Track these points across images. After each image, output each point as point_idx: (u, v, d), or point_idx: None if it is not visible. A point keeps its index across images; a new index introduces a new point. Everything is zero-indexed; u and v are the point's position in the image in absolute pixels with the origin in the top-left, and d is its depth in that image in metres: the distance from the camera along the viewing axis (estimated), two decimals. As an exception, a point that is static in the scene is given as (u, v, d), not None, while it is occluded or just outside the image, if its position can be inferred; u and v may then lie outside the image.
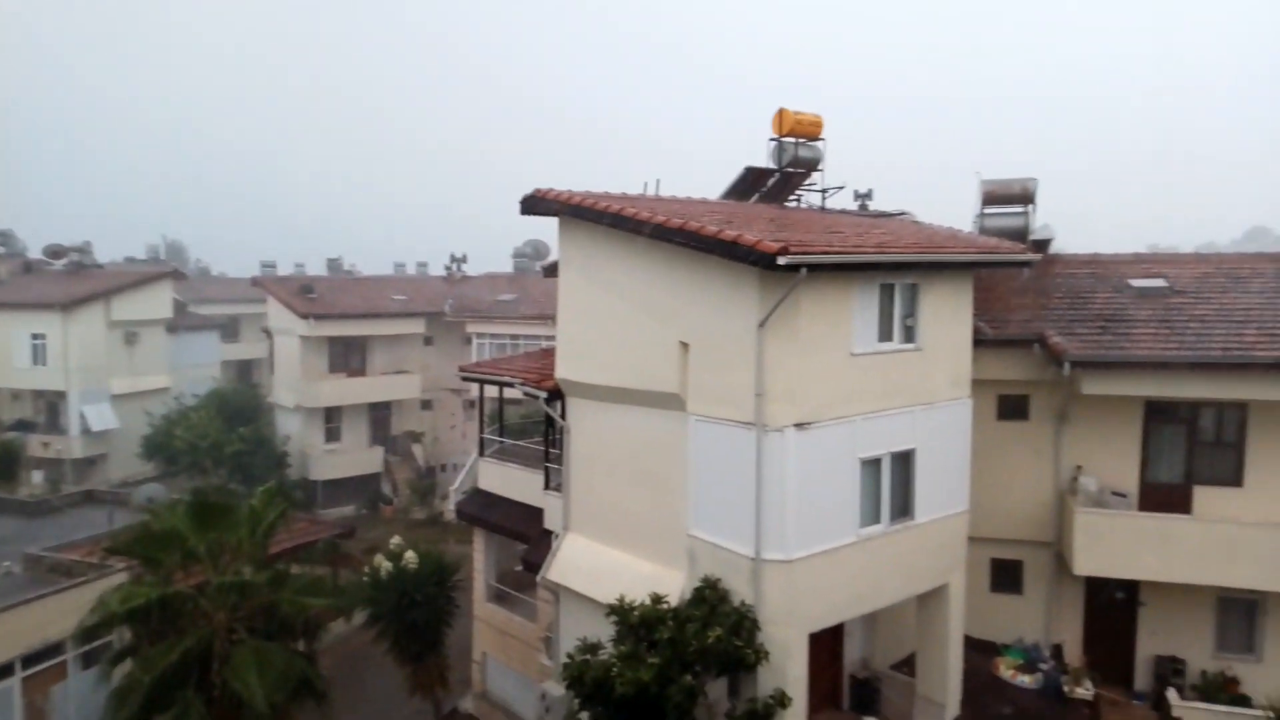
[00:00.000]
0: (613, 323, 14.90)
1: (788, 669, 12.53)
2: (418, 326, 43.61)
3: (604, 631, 12.83)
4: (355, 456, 42.27)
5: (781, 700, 12.15)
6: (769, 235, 12.04)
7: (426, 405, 44.79)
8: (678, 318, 13.64)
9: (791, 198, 20.45)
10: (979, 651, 16.95)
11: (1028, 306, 17.77)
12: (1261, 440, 16.31)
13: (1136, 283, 18.06)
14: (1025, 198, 19.90)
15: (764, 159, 19.90)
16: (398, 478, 42.53)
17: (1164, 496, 16.83)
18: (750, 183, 20.05)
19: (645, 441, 14.50)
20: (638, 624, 12.39)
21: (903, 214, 20.68)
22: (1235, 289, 17.39)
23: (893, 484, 13.87)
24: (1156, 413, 16.84)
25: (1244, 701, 15.90)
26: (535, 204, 15.77)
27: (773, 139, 19.84)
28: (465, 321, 43.21)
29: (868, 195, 22.22)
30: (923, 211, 20.85)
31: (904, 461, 14.01)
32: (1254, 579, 15.76)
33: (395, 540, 19.89)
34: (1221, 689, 16.40)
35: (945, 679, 15.26)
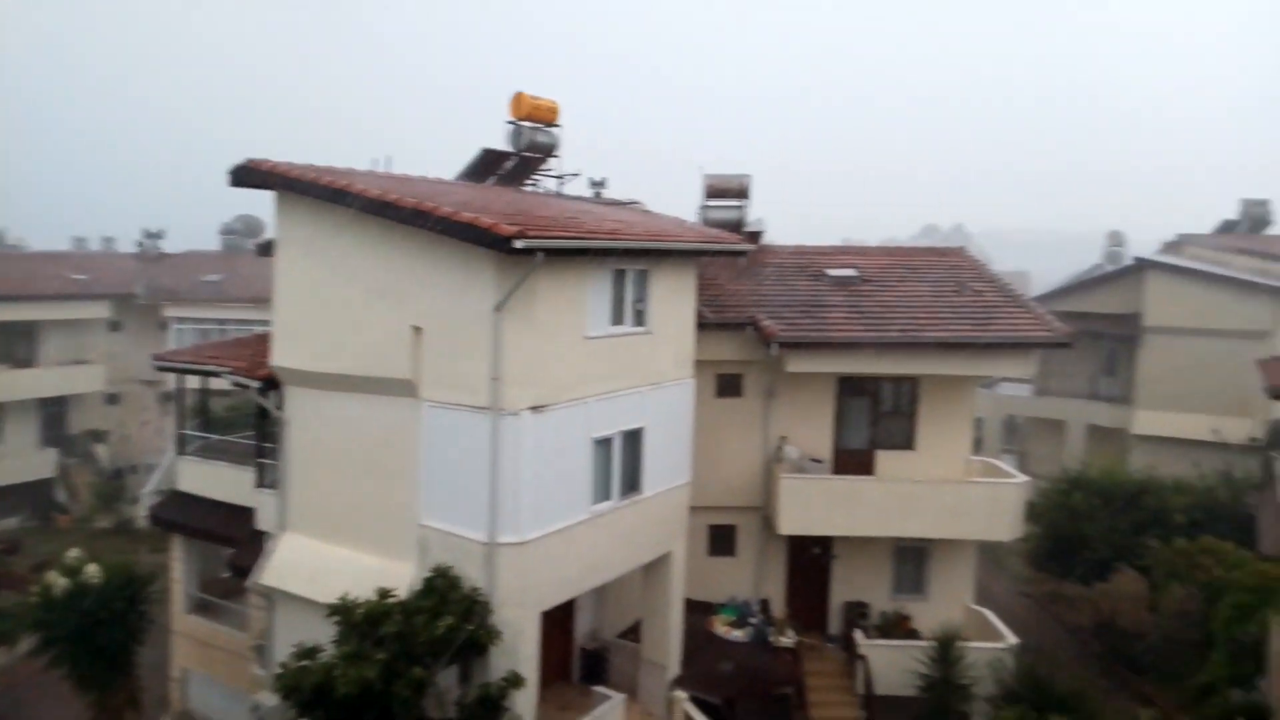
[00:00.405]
0: (338, 306, 14.09)
1: (520, 649, 12.66)
2: (101, 310, 38.40)
3: (325, 634, 12.17)
4: (21, 461, 36.51)
5: (514, 680, 12.25)
6: (506, 219, 11.97)
7: (113, 400, 39.67)
8: (410, 301, 13.18)
9: (528, 182, 20.49)
10: (698, 612, 18.17)
11: (743, 293, 19.21)
12: (929, 409, 18.97)
13: (833, 272, 20.15)
14: (741, 192, 21.48)
15: (504, 143, 19.77)
16: (77, 482, 37.36)
17: (853, 461, 19.05)
18: (487, 165, 19.82)
19: (374, 431, 13.90)
20: (362, 621, 11.91)
21: (634, 203, 21.50)
22: (911, 278, 19.97)
23: (623, 462, 14.45)
24: (848, 387, 18.97)
25: (914, 635, 18.49)
26: (247, 175, 14.46)
27: (510, 122, 19.72)
28: (162, 305, 38.74)
29: (602, 183, 22.83)
30: (650, 202, 21.84)
31: (634, 440, 14.63)
32: (924, 529, 18.32)
33: (73, 553, 17.56)
34: (897, 626, 18.96)
35: (667, 641, 16.22)
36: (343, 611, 12.07)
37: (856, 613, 19.20)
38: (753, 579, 19.46)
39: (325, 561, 14.34)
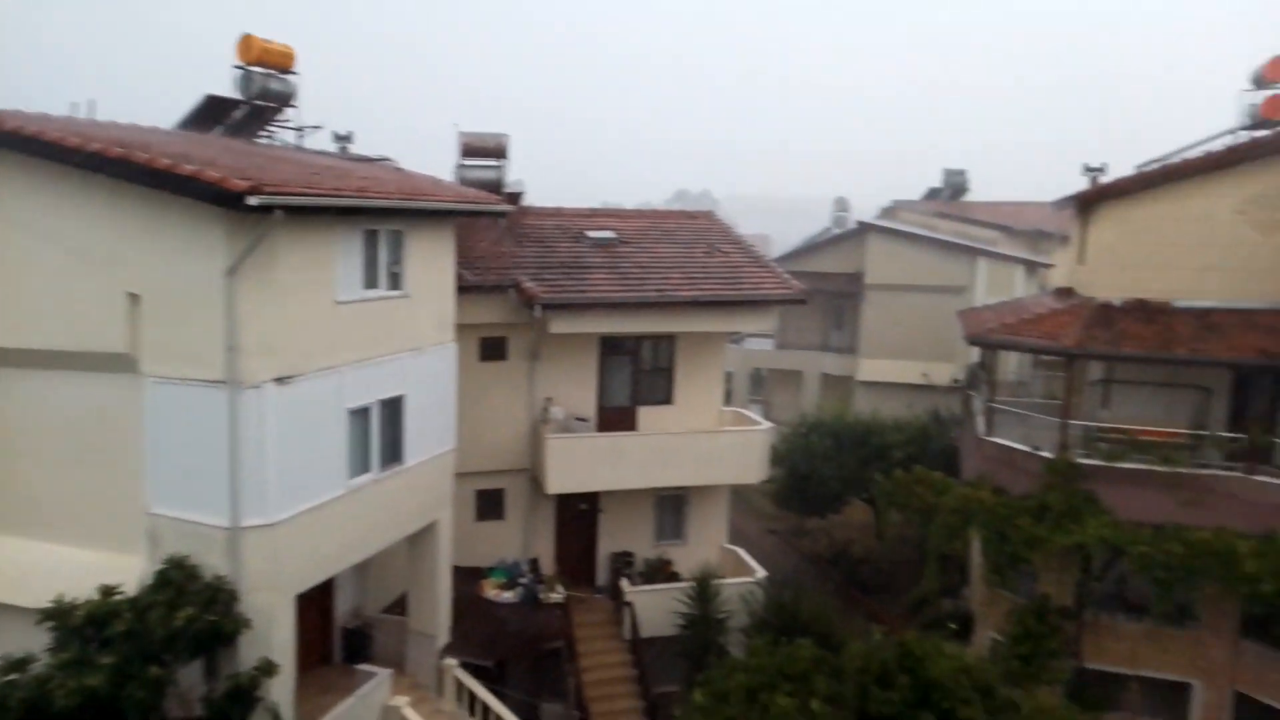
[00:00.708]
0: (31, 271, 12.19)
1: (273, 635, 11.85)
2: None
3: (38, 642, 10.72)
4: None
5: (266, 669, 11.48)
6: (236, 172, 10.87)
7: None
8: (124, 265, 11.67)
9: (261, 134, 18.77)
10: (468, 579, 18.00)
11: (504, 255, 18.93)
12: (685, 365, 19.85)
13: (592, 234, 20.38)
14: (499, 152, 21.03)
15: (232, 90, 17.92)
16: None
17: (616, 418, 19.57)
18: (212, 113, 17.90)
19: (85, 412, 12.26)
20: (83, 624, 10.61)
21: (384, 159, 20.38)
22: (666, 240, 20.64)
23: (382, 431, 13.81)
24: (609, 347, 19.38)
25: (676, 578, 19.48)
26: (-101, 113, 12.04)
27: (238, 67, 17.86)
28: None
29: (348, 138, 21.43)
30: (404, 160, 20.79)
31: (393, 408, 14.03)
32: (683, 478, 19.27)
33: None
34: (660, 571, 19.88)
35: (436, 611, 15.91)
36: (58, 615, 10.66)
37: (623, 562, 19.88)
38: (522, 540, 19.53)
39: (35, 562, 12.54)
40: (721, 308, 18.60)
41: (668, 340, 19.58)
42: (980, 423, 20.38)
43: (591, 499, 19.88)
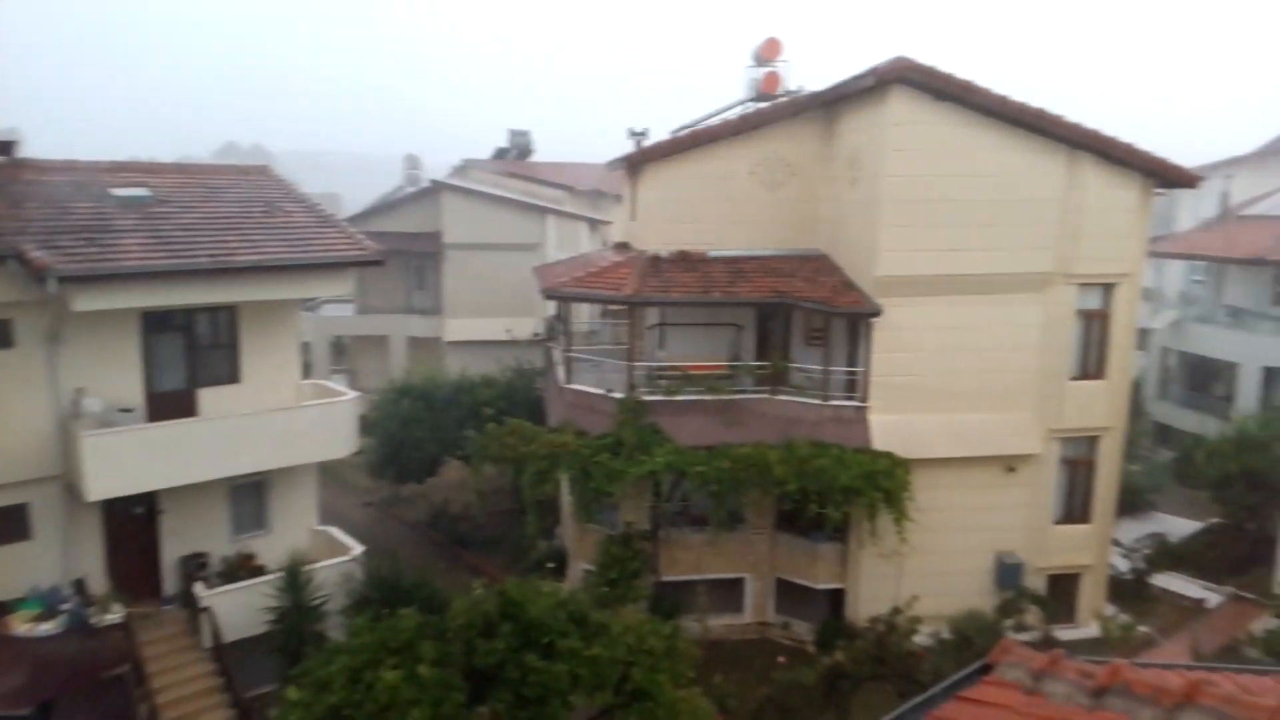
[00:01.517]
0: None
1: None
2: None
3: None
4: None
5: None
6: None
7: None
8: None
9: None
10: (-11, 618, 14.71)
11: (-6, 217, 15.38)
12: (252, 338, 18.02)
13: (120, 192, 17.42)
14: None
15: None
16: None
17: (172, 403, 17.16)
18: None
19: None
20: None
21: None
22: (215, 199, 18.38)
23: None
24: (155, 322, 16.86)
25: (261, 571, 17.90)
26: None
27: None
28: None
29: None
30: None
31: None
32: (259, 462, 17.59)
33: None
34: (241, 567, 18.08)
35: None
36: None
37: (195, 565, 17.71)
38: (60, 560, 16.39)
39: None
40: (288, 272, 17.11)
41: (228, 311, 17.59)
42: (561, 372, 21.58)
43: (149, 500, 17.33)
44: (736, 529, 20.01)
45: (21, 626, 15.04)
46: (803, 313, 20.54)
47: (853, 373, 19.38)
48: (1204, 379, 32.51)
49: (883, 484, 17.97)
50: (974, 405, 19.00)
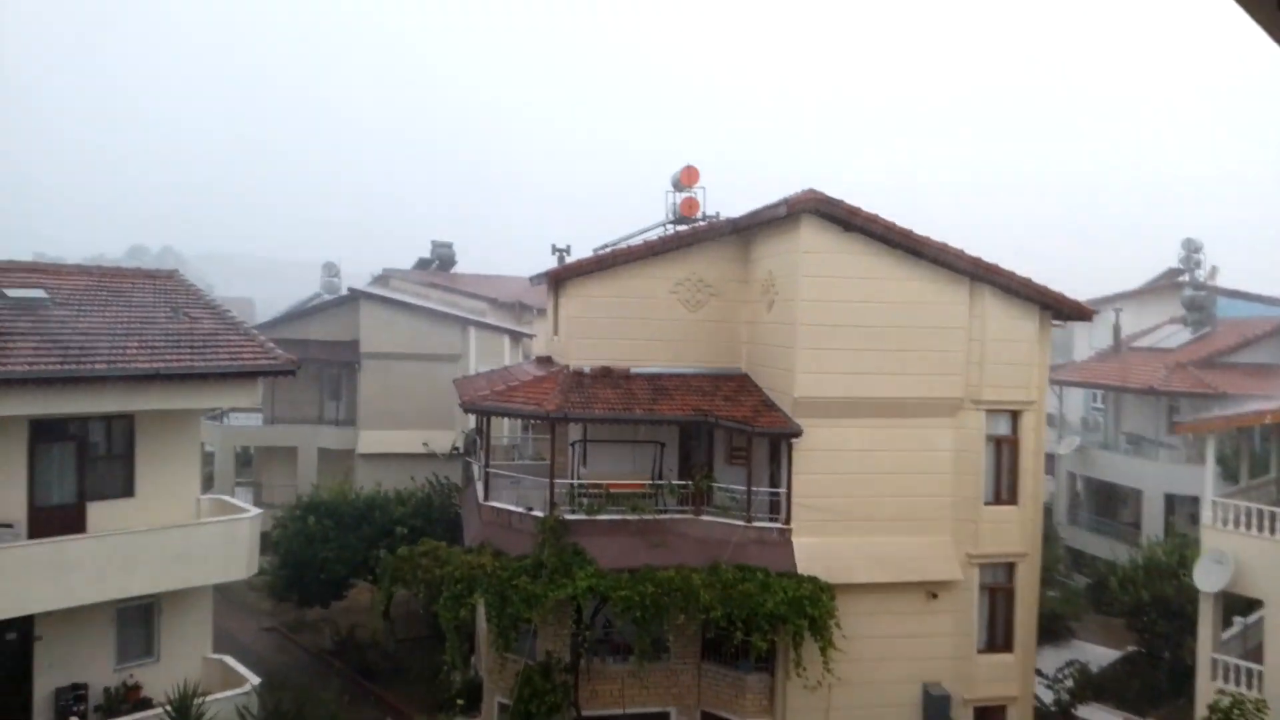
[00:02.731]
0: None
1: None
2: None
3: None
4: None
5: None
6: None
7: None
8: None
9: None
10: None
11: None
12: (150, 448, 17.04)
13: (13, 293, 16.59)
14: None
15: None
16: None
17: (57, 519, 15.92)
18: None
19: None
20: None
21: None
22: (117, 302, 17.68)
23: None
24: (44, 431, 15.81)
25: (147, 705, 16.34)
26: None
27: None
28: None
29: None
30: None
31: None
32: (150, 583, 16.38)
33: None
34: (125, 700, 16.50)
35: None
36: None
37: (72, 698, 16.07)
38: (-94, 696, 14.67)
39: None
40: (191, 381, 16.36)
41: (125, 420, 16.64)
42: (479, 488, 20.94)
43: (24, 623, 15.78)
44: (661, 658, 19.30)
45: None
46: (725, 432, 20.58)
47: (775, 493, 19.36)
48: (1111, 504, 33.66)
49: (809, 610, 17.67)
50: (894, 529, 19.06)
